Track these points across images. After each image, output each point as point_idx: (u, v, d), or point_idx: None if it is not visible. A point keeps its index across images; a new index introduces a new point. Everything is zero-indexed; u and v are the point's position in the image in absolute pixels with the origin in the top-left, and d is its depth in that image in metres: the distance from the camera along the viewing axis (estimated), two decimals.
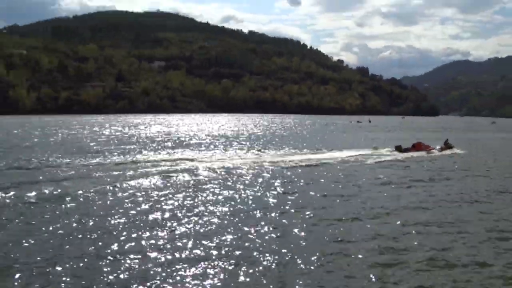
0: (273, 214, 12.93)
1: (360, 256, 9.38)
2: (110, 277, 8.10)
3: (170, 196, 15.17)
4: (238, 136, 49.62)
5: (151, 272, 8.36)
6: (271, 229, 11.44)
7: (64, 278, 7.97)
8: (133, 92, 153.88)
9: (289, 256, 9.30)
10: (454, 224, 12.24)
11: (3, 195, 14.38)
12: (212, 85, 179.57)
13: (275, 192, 16.28)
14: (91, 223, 11.59)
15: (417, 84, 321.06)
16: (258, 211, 13.29)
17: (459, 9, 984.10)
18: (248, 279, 8.15)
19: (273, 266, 8.80)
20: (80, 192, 15.25)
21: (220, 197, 15.28)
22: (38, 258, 8.93)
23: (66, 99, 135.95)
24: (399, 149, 29.62)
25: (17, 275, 8.13)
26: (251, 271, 8.52)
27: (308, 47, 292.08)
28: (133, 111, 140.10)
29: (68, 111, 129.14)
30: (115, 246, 9.72)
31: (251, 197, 15.33)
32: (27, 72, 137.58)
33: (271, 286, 7.88)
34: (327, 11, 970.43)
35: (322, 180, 19.36)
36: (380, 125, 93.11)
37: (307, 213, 13.20)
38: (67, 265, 8.54)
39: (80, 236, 10.51)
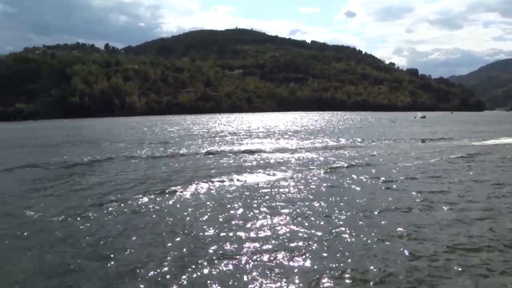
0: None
1: None
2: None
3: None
4: (326, 129, 46.61)
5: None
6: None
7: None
8: (218, 95, 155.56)
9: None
10: None
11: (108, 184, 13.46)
12: (281, 88, 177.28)
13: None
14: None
15: (463, 82, 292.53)
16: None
17: (500, 13, 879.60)
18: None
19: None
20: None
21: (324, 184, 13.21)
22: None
23: (167, 103, 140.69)
24: None
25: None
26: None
27: (363, 53, 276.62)
28: (219, 111, 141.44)
29: (169, 111, 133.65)
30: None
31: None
32: (138, 82, 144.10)
33: None
34: (378, 20, 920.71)
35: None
36: (437, 120, 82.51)
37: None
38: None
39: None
